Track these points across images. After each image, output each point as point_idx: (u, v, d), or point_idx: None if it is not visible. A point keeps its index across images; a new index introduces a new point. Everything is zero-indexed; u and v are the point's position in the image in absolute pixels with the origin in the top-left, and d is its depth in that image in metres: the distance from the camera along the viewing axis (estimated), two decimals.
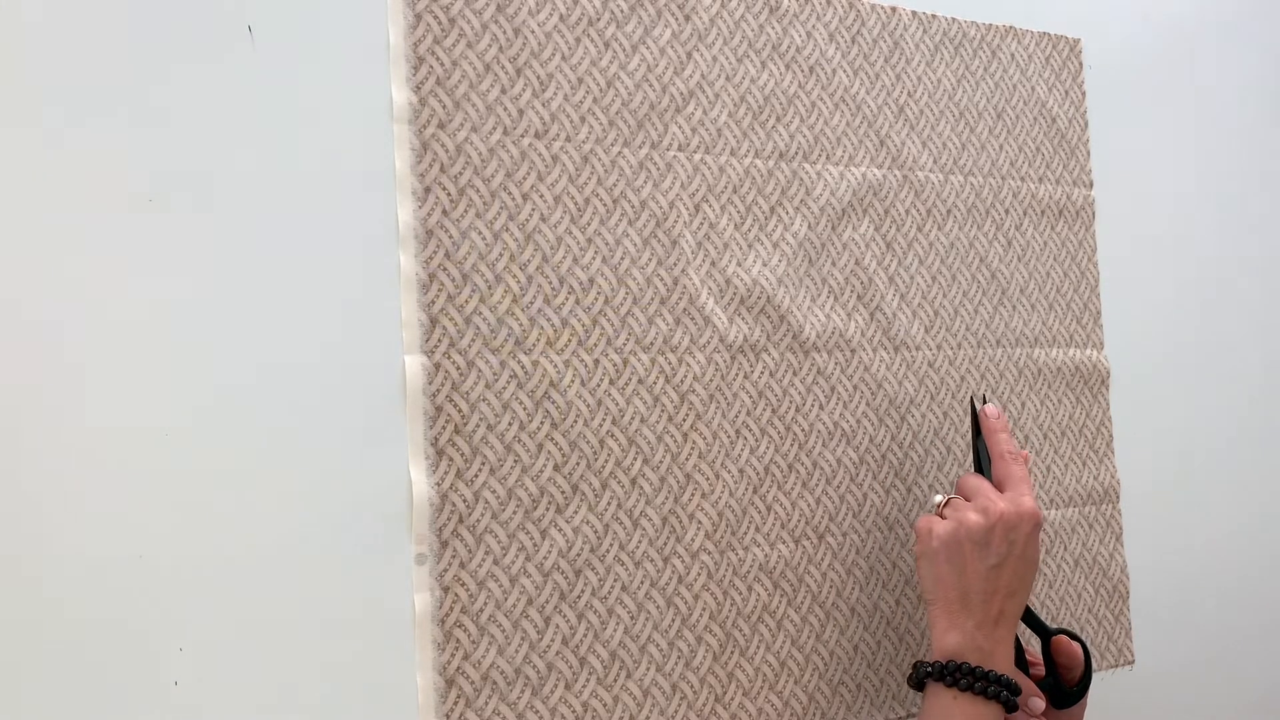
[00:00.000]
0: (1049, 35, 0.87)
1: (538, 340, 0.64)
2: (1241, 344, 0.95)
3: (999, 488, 0.66)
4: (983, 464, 0.70)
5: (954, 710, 0.61)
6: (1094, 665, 0.82)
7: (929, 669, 0.62)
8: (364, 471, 0.59)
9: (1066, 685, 0.69)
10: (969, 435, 0.78)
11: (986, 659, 0.62)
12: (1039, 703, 0.66)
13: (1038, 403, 0.82)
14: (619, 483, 0.65)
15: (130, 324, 0.54)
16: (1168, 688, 0.87)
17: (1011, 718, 0.64)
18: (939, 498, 0.67)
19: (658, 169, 0.68)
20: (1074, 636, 0.70)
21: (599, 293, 0.66)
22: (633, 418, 0.66)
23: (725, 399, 0.69)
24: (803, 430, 0.72)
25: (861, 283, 0.75)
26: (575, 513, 0.64)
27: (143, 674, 0.53)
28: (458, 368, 0.61)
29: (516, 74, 0.65)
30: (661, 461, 0.66)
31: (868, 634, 0.73)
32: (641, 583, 0.65)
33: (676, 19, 0.70)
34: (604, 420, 0.65)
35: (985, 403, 0.73)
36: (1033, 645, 0.72)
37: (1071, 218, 0.86)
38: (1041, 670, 0.70)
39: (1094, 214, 0.87)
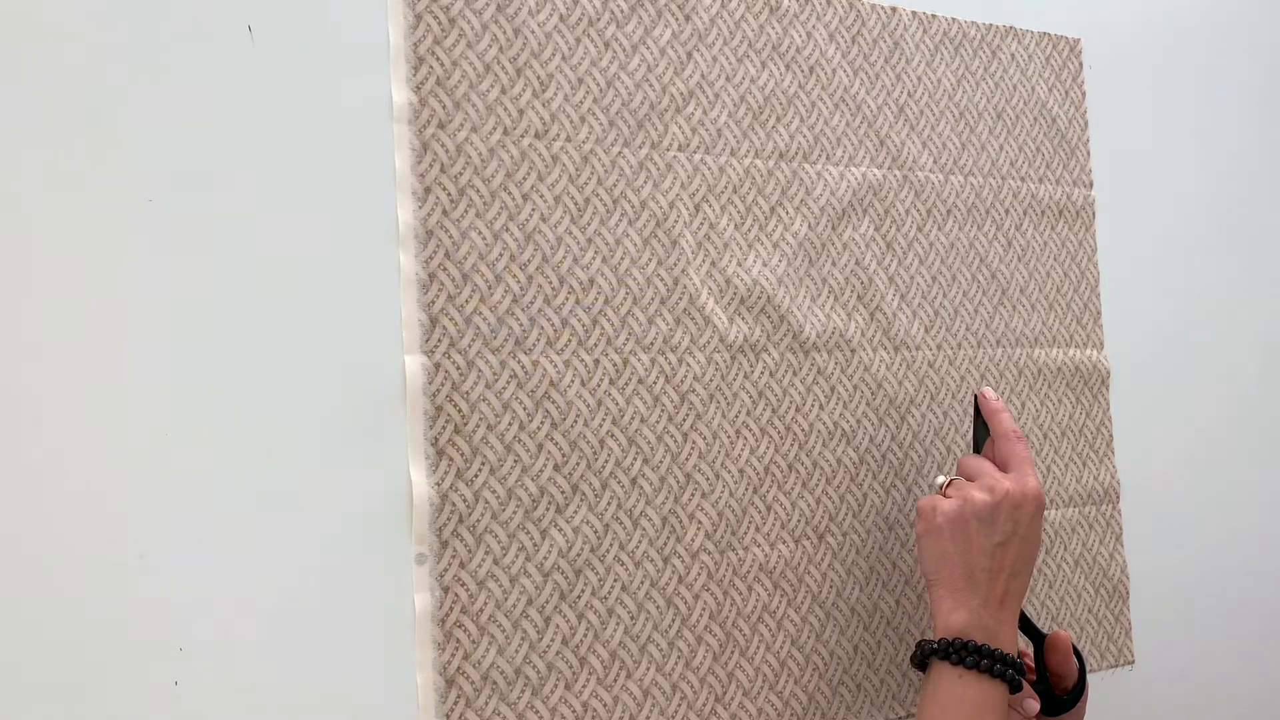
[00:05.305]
0: (1049, 35, 0.87)
1: (538, 340, 0.64)
2: (1241, 344, 0.95)
3: (1002, 467, 0.66)
4: (980, 449, 0.70)
5: (960, 689, 0.60)
6: (1095, 665, 0.82)
7: (934, 646, 0.61)
8: (364, 471, 0.59)
9: (1058, 693, 0.69)
10: (969, 435, 0.78)
11: (992, 638, 0.61)
12: (1033, 704, 0.65)
13: (1038, 403, 0.82)
14: (619, 483, 0.65)
15: (130, 324, 0.54)
16: (1168, 688, 0.87)
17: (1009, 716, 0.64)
18: (942, 478, 0.67)
19: (658, 169, 0.68)
20: (1071, 647, 0.69)
21: (599, 293, 0.66)
22: (633, 418, 0.66)
23: (725, 399, 0.69)
24: (803, 430, 0.72)
25: (861, 283, 0.75)
26: (575, 513, 0.64)
27: (143, 674, 0.53)
28: (458, 368, 0.61)
29: (516, 74, 0.65)
30: (661, 461, 0.66)
31: (868, 634, 0.73)
32: (641, 583, 0.65)
33: (676, 19, 0.70)
34: (604, 420, 0.65)
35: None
36: (1027, 651, 0.72)
37: (1071, 218, 0.86)
38: (1033, 676, 0.69)
39: (1094, 214, 0.87)
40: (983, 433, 0.71)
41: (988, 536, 0.62)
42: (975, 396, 0.72)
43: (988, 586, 0.62)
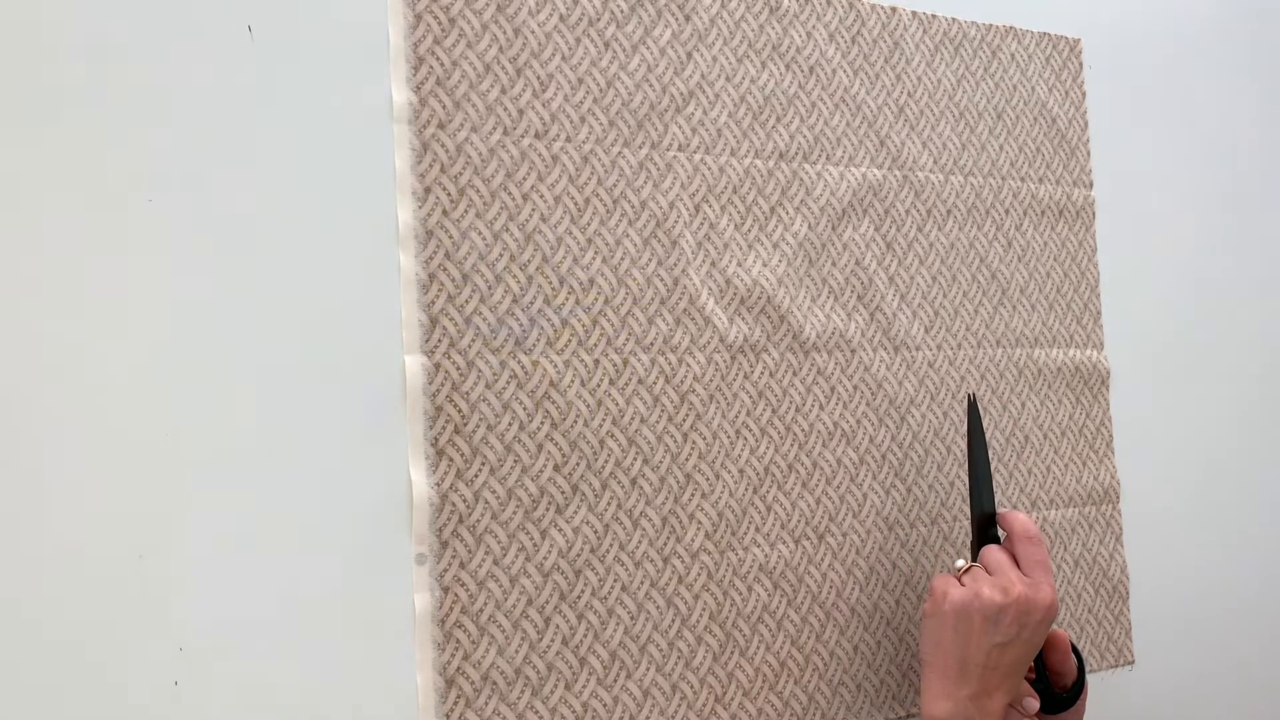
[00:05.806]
0: (1049, 35, 0.87)
1: (538, 340, 0.64)
2: (1241, 344, 0.95)
3: (1020, 567, 0.66)
4: (979, 472, 0.70)
5: None
6: (1095, 665, 0.82)
7: None
8: (364, 471, 0.59)
9: (1058, 691, 0.69)
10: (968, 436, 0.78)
11: None
12: (1033, 702, 0.66)
13: (1038, 403, 0.82)
14: (619, 483, 0.65)
15: (130, 324, 0.54)
16: (1168, 688, 0.87)
17: (1007, 716, 0.64)
18: (961, 563, 0.67)
19: (658, 169, 0.68)
20: (1070, 645, 0.70)
21: (599, 293, 0.66)
22: (633, 418, 0.66)
23: (725, 399, 0.69)
24: (803, 430, 0.72)
25: (861, 283, 0.75)
26: (575, 513, 0.64)
27: (143, 674, 0.53)
28: (458, 368, 0.61)
29: (516, 74, 0.65)
30: (661, 461, 0.66)
31: (868, 634, 0.73)
32: (641, 583, 0.65)
33: (676, 19, 0.70)
34: (604, 420, 0.65)
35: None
36: None
37: (1071, 218, 0.86)
38: (1032, 675, 0.70)
39: (1094, 214, 0.87)
40: (979, 438, 0.71)
41: (989, 635, 0.63)
42: (970, 413, 0.72)
43: (979, 681, 0.62)
